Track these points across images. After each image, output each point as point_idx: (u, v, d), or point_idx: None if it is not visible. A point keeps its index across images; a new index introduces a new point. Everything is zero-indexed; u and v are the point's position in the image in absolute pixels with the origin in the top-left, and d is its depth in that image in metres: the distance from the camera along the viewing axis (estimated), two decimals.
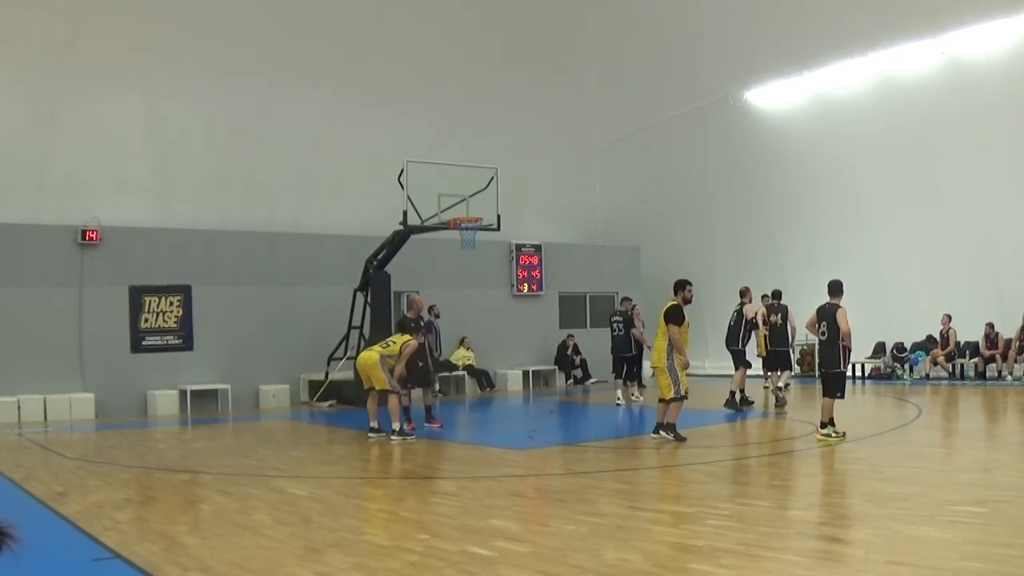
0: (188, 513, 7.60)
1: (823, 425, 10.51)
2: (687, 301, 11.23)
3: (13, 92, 17.03)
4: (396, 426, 12.11)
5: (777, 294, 16.14)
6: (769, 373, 16.27)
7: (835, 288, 10.96)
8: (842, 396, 10.68)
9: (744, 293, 15.33)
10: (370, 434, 12.43)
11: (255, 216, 19.74)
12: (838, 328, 10.58)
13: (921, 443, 10.84)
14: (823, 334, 10.79)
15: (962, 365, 19.29)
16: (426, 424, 13.22)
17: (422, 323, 13.59)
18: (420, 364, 13.19)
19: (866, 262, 20.84)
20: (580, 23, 21.48)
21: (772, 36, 19.76)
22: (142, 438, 13.58)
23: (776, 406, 14.47)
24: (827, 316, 10.78)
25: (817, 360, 11.13)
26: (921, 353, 20.07)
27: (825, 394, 10.73)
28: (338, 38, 19.17)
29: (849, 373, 21.26)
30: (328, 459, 11.11)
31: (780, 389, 14.97)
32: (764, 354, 15.67)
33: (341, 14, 18.91)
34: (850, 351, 10.90)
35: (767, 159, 21.97)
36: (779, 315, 15.45)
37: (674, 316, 10.90)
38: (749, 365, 15.09)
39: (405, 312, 13.76)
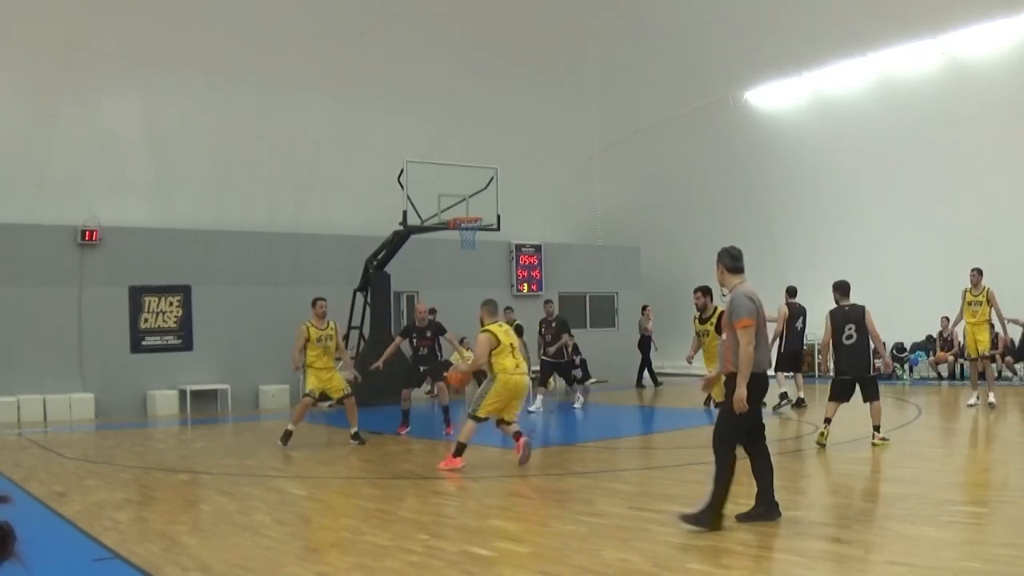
0: (188, 513, 7.60)
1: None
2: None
3: (13, 92, 17.02)
4: (354, 429, 11.82)
5: (792, 291, 15.45)
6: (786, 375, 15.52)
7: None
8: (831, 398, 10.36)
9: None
10: (352, 441, 11.85)
11: (255, 216, 19.74)
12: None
13: (921, 443, 10.84)
14: (849, 338, 10.25)
15: (962, 366, 19.28)
16: (446, 432, 12.40)
17: (427, 334, 13.08)
18: (423, 368, 13.00)
19: (866, 262, 20.84)
20: (580, 23, 21.46)
21: (772, 36, 19.75)
22: (142, 438, 13.58)
23: (797, 407, 14.41)
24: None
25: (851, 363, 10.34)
26: (921, 353, 20.06)
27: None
28: (338, 38, 19.16)
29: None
30: (328, 459, 11.11)
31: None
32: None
33: (341, 14, 18.90)
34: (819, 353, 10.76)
35: (767, 159, 21.97)
36: (801, 318, 15.02)
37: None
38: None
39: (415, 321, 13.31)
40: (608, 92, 22.48)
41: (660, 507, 7.12)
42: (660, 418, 15.05)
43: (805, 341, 15.56)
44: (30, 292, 16.49)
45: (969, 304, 13.88)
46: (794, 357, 15.01)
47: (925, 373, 19.82)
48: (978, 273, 14.00)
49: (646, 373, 21.14)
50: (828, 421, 10.14)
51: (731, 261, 6.61)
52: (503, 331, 9.62)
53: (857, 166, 20.21)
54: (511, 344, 9.58)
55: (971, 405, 13.56)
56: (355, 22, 19.15)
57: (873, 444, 9.94)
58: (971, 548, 5.52)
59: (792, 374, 15.08)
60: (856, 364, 10.21)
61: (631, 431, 13.48)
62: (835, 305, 10.46)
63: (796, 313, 14.97)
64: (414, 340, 13.06)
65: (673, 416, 15.33)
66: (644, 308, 21.36)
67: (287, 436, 11.64)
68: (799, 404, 14.52)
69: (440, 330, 13.13)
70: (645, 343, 20.81)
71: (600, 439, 12.23)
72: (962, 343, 16.80)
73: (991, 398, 13.39)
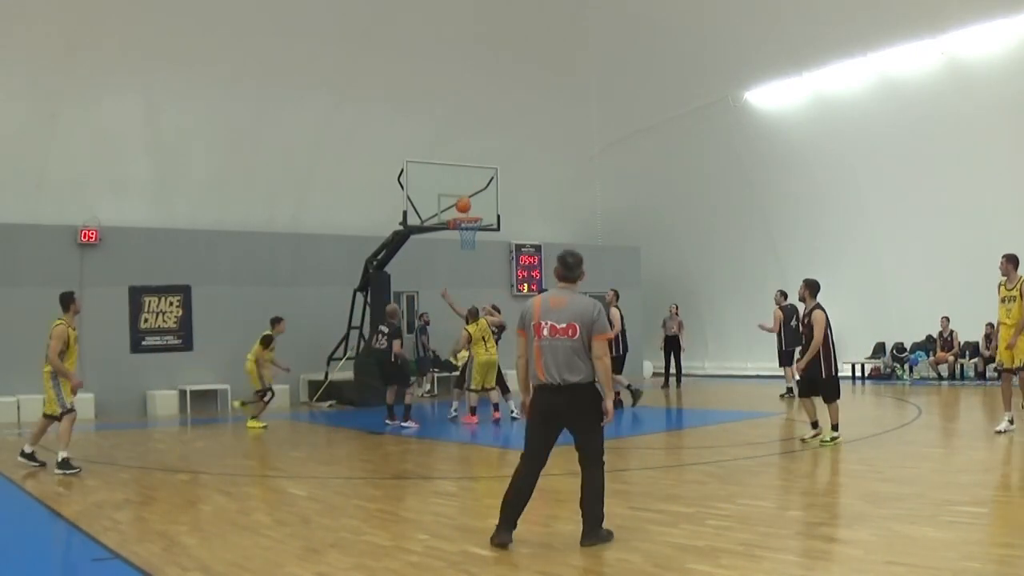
0: (188, 513, 7.59)
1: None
2: None
3: (13, 92, 17.01)
4: (64, 454, 9.81)
5: (784, 294, 16.68)
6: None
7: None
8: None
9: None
10: (29, 461, 10.12)
11: (255, 216, 19.74)
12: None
13: (921, 443, 10.83)
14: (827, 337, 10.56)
15: (962, 366, 19.28)
16: (388, 422, 13.50)
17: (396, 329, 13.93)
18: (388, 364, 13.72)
19: (866, 262, 20.84)
20: (580, 23, 21.48)
21: (772, 36, 19.75)
22: (142, 438, 13.58)
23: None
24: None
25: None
26: (921, 354, 20.06)
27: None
28: (338, 38, 19.17)
29: (848, 373, 21.40)
30: (328, 459, 11.11)
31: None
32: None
33: (341, 14, 18.91)
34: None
35: (767, 159, 21.96)
36: (794, 317, 15.96)
37: None
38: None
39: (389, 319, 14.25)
40: (608, 92, 22.50)
41: (660, 507, 7.12)
42: (660, 418, 15.05)
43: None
44: (30, 292, 16.46)
45: (1003, 301, 10.65)
46: (791, 355, 16.21)
47: (925, 373, 19.81)
48: (1008, 261, 10.66)
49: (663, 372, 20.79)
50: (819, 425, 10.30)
51: (561, 268, 6.33)
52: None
53: (857, 166, 20.20)
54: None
55: (1000, 432, 10.48)
56: (355, 23, 19.16)
57: (826, 442, 10.12)
58: (971, 548, 5.52)
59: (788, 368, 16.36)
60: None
61: (631, 431, 13.45)
62: (806, 303, 10.63)
63: (788, 314, 16.23)
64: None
65: (674, 416, 15.34)
66: (672, 308, 20.96)
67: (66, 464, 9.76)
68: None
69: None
70: (671, 343, 20.51)
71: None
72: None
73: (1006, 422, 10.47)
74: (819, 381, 10.40)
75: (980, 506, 6.69)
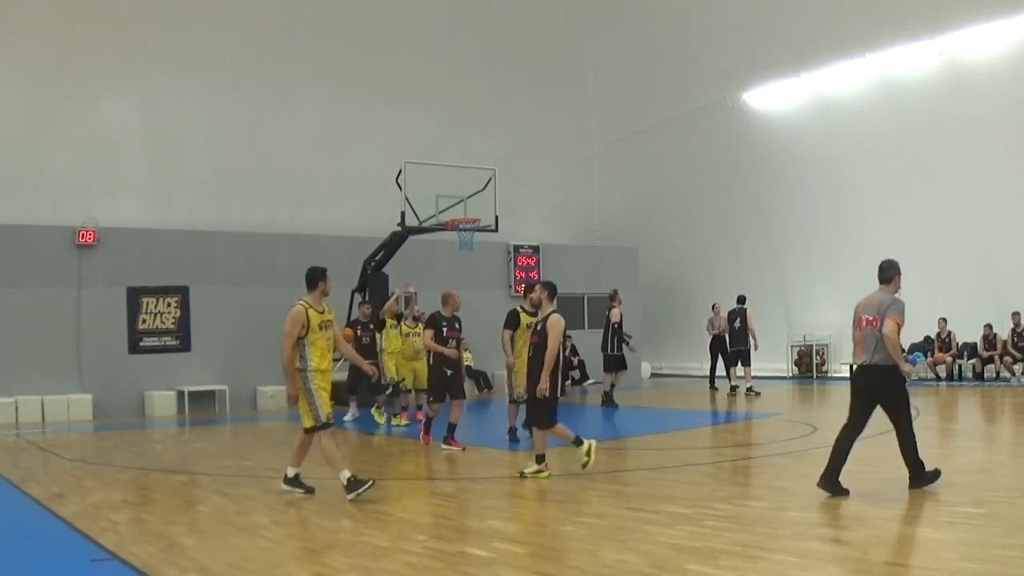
0: (186, 514, 7.59)
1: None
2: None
3: (12, 93, 17.01)
4: (347, 473, 7.94)
5: (740, 299, 18.02)
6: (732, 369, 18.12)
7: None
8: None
9: (613, 297, 16.47)
10: (292, 487, 8.28)
11: (253, 217, 19.74)
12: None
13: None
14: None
15: (960, 367, 19.29)
16: (444, 445, 10.99)
17: (456, 324, 11.30)
18: (449, 372, 11.17)
19: (864, 263, 20.69)
20: (578, 24, 21.46)
21: (770, 37, 19.75)
22: (140, 439, 13.57)
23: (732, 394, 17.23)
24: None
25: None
26: (919, 354, 20.07)
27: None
28: (337, 38, 19.16)
29: (847, 374, 21.39)
30: (326, 460, 11.09)
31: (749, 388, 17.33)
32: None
33: (340, 15, 18.90)
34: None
35: (765, 160, 21.96)
36: (739, 319, 17.68)
37: None
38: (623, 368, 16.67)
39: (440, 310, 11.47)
40: (606, 93, 22.48)
41: (659, 508, 7.12)
42: (660, 419, 15.05)
43: (752, 339, 17.86)
44: (28, 293, 16.48)
45: None
46: (737, 355, 17.89)
47: (923, 374, 19.82)
48: None
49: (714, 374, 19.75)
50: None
51: (878, 272, 7.59)
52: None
53: (855, 167, 20.21)
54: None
55: None
56: (355, 22, 19.15)
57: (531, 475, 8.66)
58: (969, 549, 5.52)
59: (737, 367, 17.83)
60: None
61: (631, 431, 13.45)
62: (541, 309, 8.98)
63: (732, 317, 17.81)
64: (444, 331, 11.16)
65: (673, 417, 15.33)
66: (714, 306, 20.19)
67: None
68: (742, 392, 17.23)
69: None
70: (718, 343, 19.67)
71: (599, 440, 12.21)
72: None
73: None
74: (530, 400, 8.76)
75: (978, 507, 6.69)
